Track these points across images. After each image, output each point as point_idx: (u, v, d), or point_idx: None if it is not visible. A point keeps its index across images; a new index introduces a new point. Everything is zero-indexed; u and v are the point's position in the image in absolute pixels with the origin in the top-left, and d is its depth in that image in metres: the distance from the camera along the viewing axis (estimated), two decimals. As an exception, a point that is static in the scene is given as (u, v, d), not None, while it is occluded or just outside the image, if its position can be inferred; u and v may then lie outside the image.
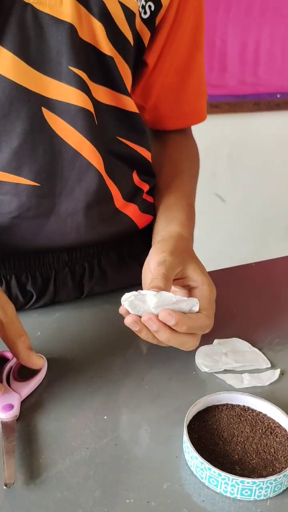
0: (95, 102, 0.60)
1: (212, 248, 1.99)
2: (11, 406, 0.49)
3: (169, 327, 0.51)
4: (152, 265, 0.57)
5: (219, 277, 0.58)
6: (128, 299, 0.52)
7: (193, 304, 0.53)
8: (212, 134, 1.95)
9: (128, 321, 0.53)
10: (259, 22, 1.89)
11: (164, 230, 0.63)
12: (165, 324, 0.51)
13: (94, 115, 0.60)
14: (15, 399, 0.49)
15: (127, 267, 0.73)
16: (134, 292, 0.52)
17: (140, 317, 0.52)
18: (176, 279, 0.57)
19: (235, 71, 1.94)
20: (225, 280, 0.59)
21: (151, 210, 0.72)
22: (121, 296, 0.53)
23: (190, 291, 0.58)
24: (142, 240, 0.74)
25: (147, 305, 0.52)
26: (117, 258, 0.72)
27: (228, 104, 1.99)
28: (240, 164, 2.08)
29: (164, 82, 0.71)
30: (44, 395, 0.52)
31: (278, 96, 2.08)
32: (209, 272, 0.60)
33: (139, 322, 0.52)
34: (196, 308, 0.53)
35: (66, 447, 0.46)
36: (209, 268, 0.64)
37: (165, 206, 0.69)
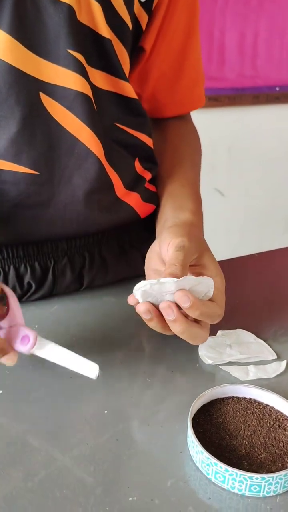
0: (93, 87, 0.58)
1: (212, 243, 1.96)
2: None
3: (185, 318, 0.49)
4: (169, 250, 0.53)
5: (222, 268, 0.56)
6: (142, 288, 0.49)
7: (210, 286, 0.51)
8: (211, 128, 1.92)
9: (141, 309, 0.50)
10: (257, 14, 1.87)
11: (176, 218, 0.60)
12: (183, 316, 0.49)
13: (93, 100, 0.58)
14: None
15: (128, 256, 0.71)
16: (152, 281, 0.48)
17: (153, 304, 0.50)
18: (191, 265, 0.54)
19: (234, 63, 1.92)
20: (228, 271, 0.57)
21: (154, 199, 0.70)
22: (121, 288, 0.51)
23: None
24: (144, 229, 0.71)
25: (164, 293, 0.49)
26: (118, 247, 0.70)
27: (228, 97, 1.97)
28: (239, 158, 2.06)
29: (160, 68, 0.70)
30: (42, 390, 0.50)
31: (277, 89, 2.06)
32: (212, 263, 0.58)
33: (152, 311, 0.50)
34: (211, 293, 0.51)
35: (65, 443, 0.44)
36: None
37: (169, 193, 0.66)
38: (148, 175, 0.69)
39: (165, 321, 0.50)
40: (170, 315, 0.49)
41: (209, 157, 2.03)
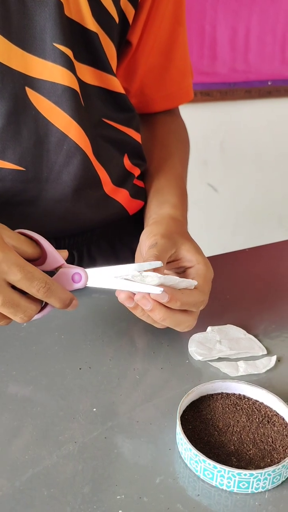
0: (80, 82, 0.57)
1: (205, 239, 1.96)
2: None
3: (164, 306, 0.49)
4: (144, 248, 0.54)
5: (212, 264, 0.55)
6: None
7: (191, 284, 0.51)
8: (203, 123, 1.92)
9: (122, 296, 0.50)
10: (249, 8, 1.86)
11: (156, 213, 0.60)
12: (159, 303, 0.49)
13: (80, 95, 0.57)
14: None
15: (118, 255, 0.71)
16: (135, 273, 0.49)
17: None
18: (170, 261, 0.55)
19: (226, 58, 1.91)
20: (218, 266, 0.57)
21: (142, 195, 0.70)
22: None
23: (185, 271, 0.55)
24: (133, 226, 0.71)
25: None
26: (107, 245, 0.69)
27: (219, 92, 1.96)
28: (232, 153, 2.06)
29: (147, 61, 0.69)
30: (30, 387, 0.50)
31: (269, 83, 2.05)
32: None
33: (133, 298, 0.50)
34: (192, 288, 0.51)
35: (53, 442, 0.44)
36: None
37: (156, 189, 0.66)
38: (136, 171, 0.69)
39: None
40: (146, 305, 0.49)
41: (201, 153, 2.03)
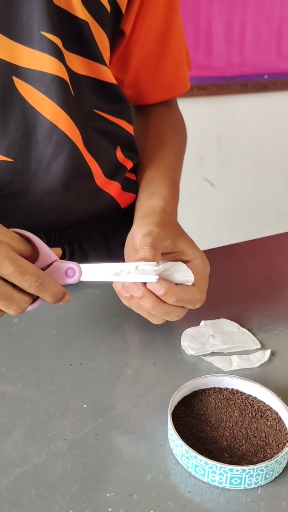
0: (70, 72, 0.56)
1: (202, 234, 1.95)
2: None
3: (154, 295, 0.48)
4: (138, 239, 0.53)
5: (207, 257, 0.54)
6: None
7: (188, 277, 0.49)
8: (199, 118, 1.91)
9: (118, 286, 0.49)
10: (244, 1, 1.85)
11: (146, 205, 0.59)
12: (150, 291, 0.48)
13: (70, 85, 0.56)
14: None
15: (110, 248, 0.70)
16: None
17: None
18: (167, 253, 0.53)
19: (221, 51, 1.90)
20: (213, 260, 0.56)
21: (134, 188, 0.69)
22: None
23: None
24: (125, 220, 0.70)
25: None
26: (99, 239, 0.68)
27: (215, 86, 1.95)
28: (229, 148, 2.05)
29: (142, 50, 0.68)
30: (19, 384, 0.49)
31: (266, 77, 2.04)
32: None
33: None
34: (190, 282, 0.50)
35: (42, 439, 0.43)
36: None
37: (146, 180, 0.65)
38: (129, 164, 0.67)
39: None
40: (136, 291, 0.48)
41: (198, 148, 2.02)
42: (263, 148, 2.11)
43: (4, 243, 0.45)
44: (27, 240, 0.48)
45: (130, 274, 0.47)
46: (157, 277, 0.46)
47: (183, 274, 0.49)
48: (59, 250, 0.50)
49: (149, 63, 0.69)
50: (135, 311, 0.52)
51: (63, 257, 0.65)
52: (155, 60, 0.69)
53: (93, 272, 0.49)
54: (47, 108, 0.55)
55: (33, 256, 0.49)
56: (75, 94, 0.57)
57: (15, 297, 0.45)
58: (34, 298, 0.48)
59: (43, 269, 0.49)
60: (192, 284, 0.50)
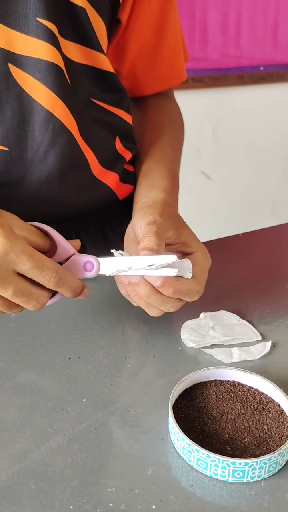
0: (66, 60, 0.55)
1: (198, 227, 1.95)
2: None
3: (150, 284, 0.47)
4: (140, 229, 0.51)
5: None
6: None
7: (189, 273, 0.48)
8: (195, 110, 1.90)
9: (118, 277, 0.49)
10: (239, -9, 1.83)
11: (146, 197, 0.58)
12: (145, 279, 0.47)
13: (66, 73, 0.55)
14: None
15: (109, 242, 0.69)
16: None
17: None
18: (170, 244, 0.52)
19: (217, 43, 1.88)
20: (212, 252, 0.55)
21: (132, 179, 0.68)
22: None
23: (183, 258, 0.53)
24: (123, 212, 0.69)
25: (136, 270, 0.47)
26: (97, 232, 0.67)
27: (211, 78, 1.94)
28: (225, 140, 2.04)
29: (138, 41, 0.67)
30: (17, 378, 0.48)
31: (262, 68, 2.03)
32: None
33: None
34: (189, 276, 0.49)
35: (41, 434, 0.42)
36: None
37: (145, 172, 0.64)
38: (128, 155, 0.67)
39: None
40: (133, 277, 0.47)
41: (194, 140, 2.01)
42: (259, 140, 2.10)
43: (21, 237, 0.44)
44: (45, 233, 0.48)
45: (147, 270, 0.46)
46: (177, 270, 0.45)
47: (187, 270, 0.48)
48: (77, 243, 0.50)
49: (145, 54, 0.69)
50: (132, 303, 0.51)
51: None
52: (151, 50, 0.68)
53: (111, 265, 0.48)
54: (43, 96, 0.54)
55: (51, 250, 0.48)
56: (71, 82, 0.56)
57: (33, 292, 0.44)
58: (54, 293, 0.47)
59: (61, 263, 0.48)
60: (192, 277, 0.50)
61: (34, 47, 0.52)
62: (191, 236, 0.52)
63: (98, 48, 0.58)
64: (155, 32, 0.67)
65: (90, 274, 0.48)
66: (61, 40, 0.54)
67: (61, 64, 0.54)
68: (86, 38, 0.57)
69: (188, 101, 1.77)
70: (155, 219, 0.50)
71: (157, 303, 0.48)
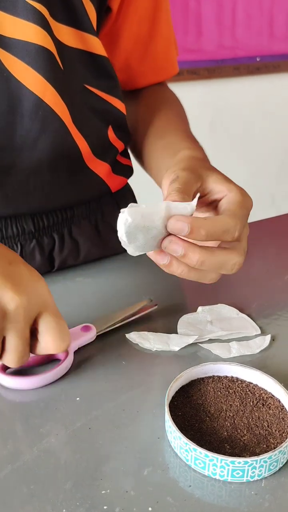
0: (58, 43, 0.53)
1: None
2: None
3: (197, 245, 0.41)
4: (165, 190, 0.46)
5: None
6: (127, 224, 0.41)
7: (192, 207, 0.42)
8: (191, 103, 1.86)
9: (152, 255, 0.43)
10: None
11: (171, 163, 0.51)
12: (191, 243, 0.41)
13: (57, 57, 0.53)
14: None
15: (102, 236, 0.67)
16: (136, 209, 0.40)
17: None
18: (203, 196, 0.47)
19: (212, 34, 1.86)
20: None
21: (125, 171, 0.66)
22: (96, 267, 0.47)
23: (216, 206, 0.47)
24: (116, 205, 0.67)
25: (154, 222, 0.41)
26: (89, 226, 0.66)
27: (207, 70, 1.92)
28: (222, 133, 2.02)
29: (131, 31, 0.65)
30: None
31: (258, 59, 2.00)
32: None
33: (168, 256, 0.42)
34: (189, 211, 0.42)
35: (33, 434, 0.41)
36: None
37: (164, 146, 0.58)
38: (121, 146, 0.65)
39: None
40: (177, 250, 0.41)
41: (190, 132, 1.98)
42: (256, 131, 2.08)
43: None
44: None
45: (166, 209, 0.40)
46: (195, 202, 0.40)
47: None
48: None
49: (138, 45, 0.67)
50: (185, 277, 0.44)
51: (51, 246, 0.63)
52: (144, 42, 0.67)
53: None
54: (33, 81, 0.52)
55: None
56: (64, 67, 0.54)
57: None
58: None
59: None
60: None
61: (23, 30, 0.50)
62: (220, 179, 0.46)
63: (91, 31, 0.56)
64: (148, 22, 0.66)
65: (89, 336, 0.51)
66: (53, 22, 0.52)
67: (52, 48, 0.52)
68: (79, 21, 0.55)
69: (184, 94, 1.74)
70: (177, 175, 0.45)
71: (216, 266, 0.42)
